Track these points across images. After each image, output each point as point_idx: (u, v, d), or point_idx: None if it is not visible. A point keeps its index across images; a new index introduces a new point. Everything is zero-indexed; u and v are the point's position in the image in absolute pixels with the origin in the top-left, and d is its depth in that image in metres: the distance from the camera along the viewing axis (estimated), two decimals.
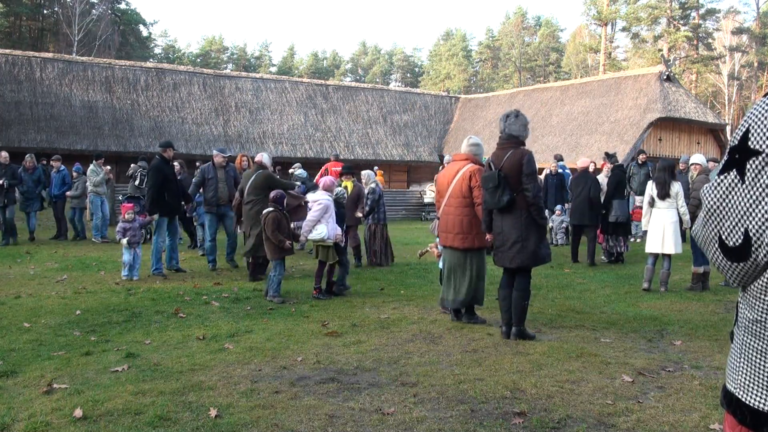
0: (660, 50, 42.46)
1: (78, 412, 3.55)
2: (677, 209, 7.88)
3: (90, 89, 26.13)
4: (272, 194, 7.35)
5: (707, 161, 9.16)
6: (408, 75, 79.26)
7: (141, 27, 57.32)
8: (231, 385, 4.11)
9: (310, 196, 7.36)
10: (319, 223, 7.05)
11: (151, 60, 54.05)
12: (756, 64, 49.21)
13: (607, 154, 12.10)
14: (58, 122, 24.70)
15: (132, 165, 12.81)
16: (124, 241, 8.27)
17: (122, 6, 54.34)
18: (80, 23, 44.20)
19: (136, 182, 12.95)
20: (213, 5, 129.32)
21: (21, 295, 7.15)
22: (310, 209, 7.22)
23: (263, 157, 8.67)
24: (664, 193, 7.91)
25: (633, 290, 8.00)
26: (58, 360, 4.67)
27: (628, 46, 55.15)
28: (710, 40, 48.77)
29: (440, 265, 6.60)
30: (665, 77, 23.66)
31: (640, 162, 14.12)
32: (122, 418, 3.52)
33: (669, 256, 7.95)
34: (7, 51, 26.78)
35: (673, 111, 22.79)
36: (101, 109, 25.83)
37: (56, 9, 48.74)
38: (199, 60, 67.64)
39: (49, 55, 27.99)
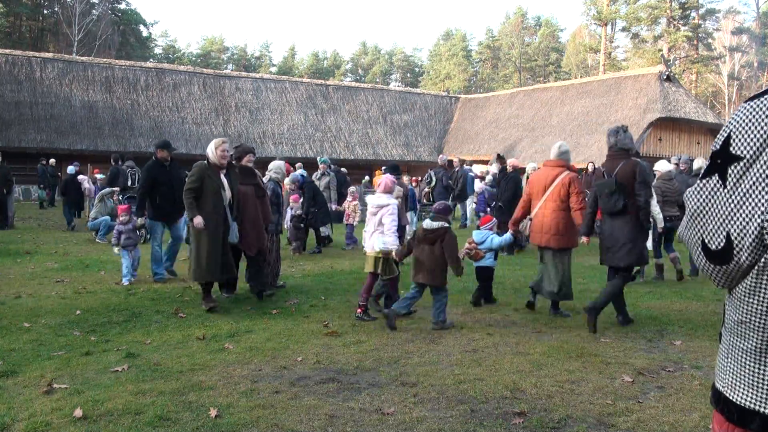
0: (660, 50, 42.46)
1: (78, 412, 3.55)
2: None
3: (90, 89, 26.13)
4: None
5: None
6: (408, 75, 79.28)
7: (141, 27, 57.35)
8: (231, 385, 4.11)
9: (369, 199, 6.51)
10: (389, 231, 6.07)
11: (151, 60, 54.07)
12: (756, 64, 49.22)
13: (498, 155, 12.83)
14: (58, 122, 24.71)
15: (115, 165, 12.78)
16: (116, 250, 8.20)
17: (122, 6, 54.41)
18: (80, 23, 44.22)
19: (129, 182, 12.95)
20: (213, 5, 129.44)
21: (21, 295, 7.14)
22: (381, 214, 6.15)
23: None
24: None
25: (633, 290, 8.00)
26: (58, 360, 4.67)
27: (628, 46, 55.20)
28: (710, 40, 48.79)
29: (487, 263, 6.82)
30: (665, 77, 23.65)
31: None
32: (122, 418, 3.52)
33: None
34: (7, 51, 26.80)
35: (673, 111, 22.79)
36: (101, 109, 25.82)
37: (56, 9, 48.76)
38: (199, 60, 67.62)
39: (49, 55, 28.00)
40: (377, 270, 6.18)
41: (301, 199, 10.97)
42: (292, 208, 10.94)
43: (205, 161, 6.64)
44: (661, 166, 9.52)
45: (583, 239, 6.16)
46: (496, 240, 6.84)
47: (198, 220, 6.33)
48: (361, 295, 6.27)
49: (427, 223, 5.91)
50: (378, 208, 6.19)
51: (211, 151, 6.61)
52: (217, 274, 6.54)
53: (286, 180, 11.65)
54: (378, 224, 6.14)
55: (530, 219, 6.47)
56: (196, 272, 6.45)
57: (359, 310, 6.15)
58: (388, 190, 6.33)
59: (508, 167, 12.58)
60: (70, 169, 16.33)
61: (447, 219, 5.95)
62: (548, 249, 6.30)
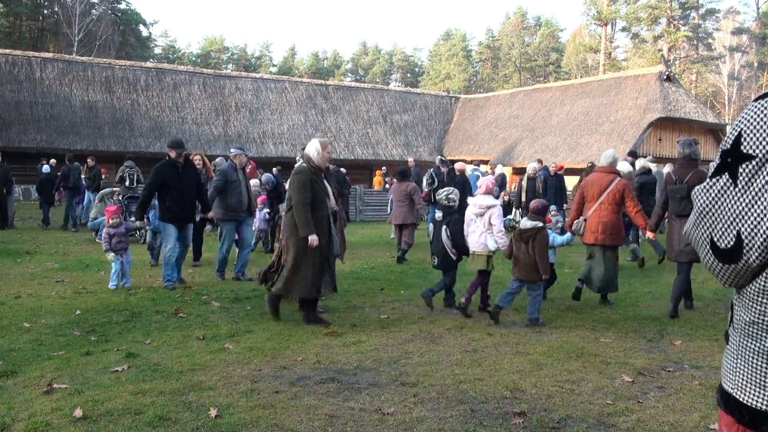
0: (660, 50, 42.46)
1: (78, 412, 3.55)
2: None
3: (90, 89, 26.12)
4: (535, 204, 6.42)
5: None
6: (408, 75, 79.28)
7: (141, 27, 57.36)
8: (231, 385, 4.11)
9: (471, 200, 6.60)
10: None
11: (151, 60, 54.04)
12: (756, 64, 49.26)
13: (442, 159, 13.61)
14: (58, 122, 24.70)
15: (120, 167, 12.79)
16: (111, 255, 7.64)
17: (122, 6, 54.42)
18: (80, 23, 44.23)
19: (126, 183, 12.94)
20: (213, 5, 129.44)
21: (21, 295, 7.14)
22: (489, 215, 6.36)
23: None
24: None
25: (633, 290, 8.00)
26: (58, 360, 4.67)
27: (628, 46, 55.22)
28: (710, 40, 48.83)
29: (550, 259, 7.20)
30: (665, 77, 23.66)
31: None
32: (122, 418, 3.52)
33: None
34: (7, 51, 26.80)
35: (673, 111, 22.79)
36: (101, 109, 25.82)
37: (56, 9, 48.78)
38: (199, 60, 67.62)
39: (49, 55, 28.00)
40: (485, 267, 6.51)
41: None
42: (260, 210, 11.02)
43: (305, 164, 5.82)
44: (623, 167, 10.12)
45: (650, 234, 7.00)
46: (558, 239, 7.21)
47: (313, 238, 5.61)
48: (472, 292, 6.56)
49: (524, 222, 6.28)
50: (485, 209, 6.46)
51: (316, 151, 5.77)
52: (317, 291, 5.89)
53: (254, 181, 11.67)
54: (487, 225, 6.44)
55: (585, 219, 7.04)
56: (297, 288, 5.78)
57: (464, 302, 6.46)
58: (490, 191, 6.61)
59: (456, 171, 12.86)
60: (45, 168, 16.46)
61: (542, 219, 6.31)
62: (601, 247, 6.93)
